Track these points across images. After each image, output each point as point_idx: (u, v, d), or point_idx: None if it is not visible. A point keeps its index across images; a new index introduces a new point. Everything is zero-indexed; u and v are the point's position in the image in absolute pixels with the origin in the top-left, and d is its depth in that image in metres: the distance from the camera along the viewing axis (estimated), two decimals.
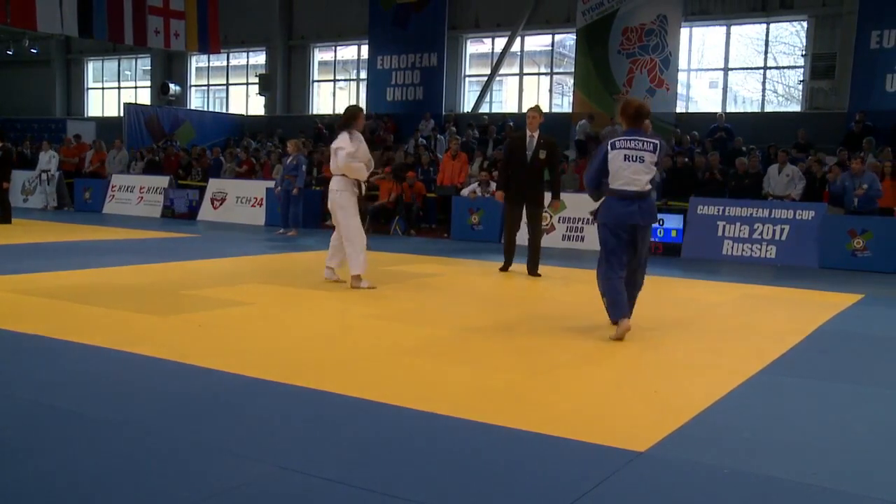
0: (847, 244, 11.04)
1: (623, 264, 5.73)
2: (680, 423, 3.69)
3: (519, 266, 9.31)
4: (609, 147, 5.68)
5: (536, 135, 8.86)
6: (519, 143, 8.94)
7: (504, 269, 9.20)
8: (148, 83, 27.63)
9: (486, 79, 21.51)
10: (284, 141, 17.80)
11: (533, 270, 8.93)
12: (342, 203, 7.36)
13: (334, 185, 7.44)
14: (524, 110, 19.35)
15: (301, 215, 13.87)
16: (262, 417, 3.63)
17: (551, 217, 13.06)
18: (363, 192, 7.67)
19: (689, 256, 11.84)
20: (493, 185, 14.13)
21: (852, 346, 5.84)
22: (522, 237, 9.12)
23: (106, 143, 20.51)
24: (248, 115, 25.67)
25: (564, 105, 20.75)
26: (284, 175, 13.87)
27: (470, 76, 22.15)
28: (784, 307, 7.49)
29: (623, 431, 3.55)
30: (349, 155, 7.26)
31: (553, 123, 19.06)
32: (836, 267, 10.90)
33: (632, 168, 5.58)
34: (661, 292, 8.25)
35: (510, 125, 18.61)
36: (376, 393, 3.98)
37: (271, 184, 15.25)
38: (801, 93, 18.13)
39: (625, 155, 5.60)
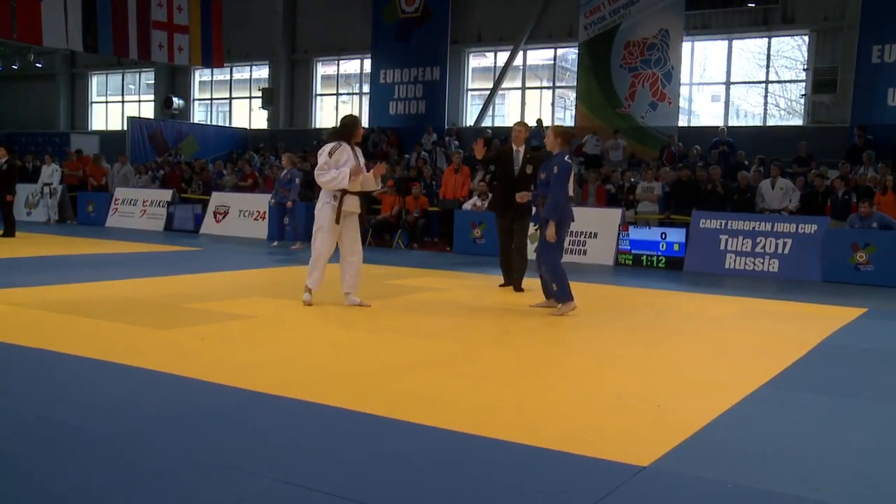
0: (850, 258, 11.02)
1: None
2: (683, 437, 3.67)
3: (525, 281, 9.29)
4: (571, 164, 7.21)
5: (522, 149, 8.70)
6: (506, 157, 8.78)
7: (504, 284, 9.01)
8: (152, 97, 27.75)
9: (488, 93, 21.58)
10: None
11: (517, 285, 8.74)
12: (316, 216, 7.13)
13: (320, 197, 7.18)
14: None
15: (303, 229, 13.96)
16: (263, 431, 3.62)
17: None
18: (354, 207, 7.11)
19: (691, 270, 11.82)
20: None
21: (856, 361, 5.82)
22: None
23: (109, 157, 20.56)
24: (251, 129, 25.76)
25: (567, 119, 20.80)
26: (279, 189, 14.02)
27: (472, 90, 22.22)
28: (787, 321, 7.47)
29: (626, 446, 3.53)
30: (320, 170, 6.93)
31: None
32: (839, 281, 10.87)
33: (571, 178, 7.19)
34: (663, 306, 8.25)
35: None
36: (377, 407, 3.97)
37: None
38: (802, 107, 18.17)
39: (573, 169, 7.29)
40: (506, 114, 22.34)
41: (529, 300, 7.89)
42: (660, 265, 12.15)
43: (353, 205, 7.08)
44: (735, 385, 4.70)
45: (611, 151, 17.76)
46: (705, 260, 11.88)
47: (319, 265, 7.08)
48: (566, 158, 7.05)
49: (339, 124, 7.34)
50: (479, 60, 22.29)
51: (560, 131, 7.32)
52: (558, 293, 7.07)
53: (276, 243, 14.03)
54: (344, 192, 6.98)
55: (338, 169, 6.92)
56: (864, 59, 16.36)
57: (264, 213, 15.89)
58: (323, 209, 7.03)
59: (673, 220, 13.08)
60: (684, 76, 18.64)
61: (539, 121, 18.97)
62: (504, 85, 21.59)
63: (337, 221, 6.97)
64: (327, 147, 7.02)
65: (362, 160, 7.17)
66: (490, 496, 2.95)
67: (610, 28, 18.78)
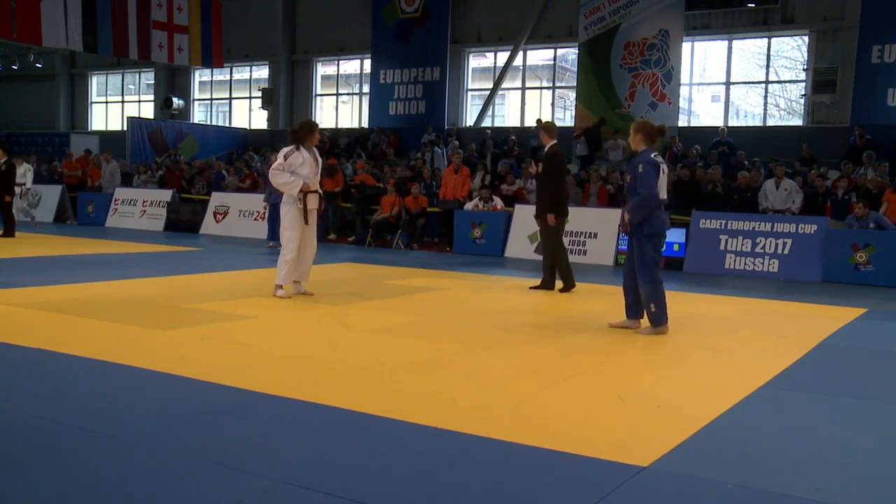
0: (850, 258, 11.02)
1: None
2: (683, 437, 3.67)
3: (525, 281, 9.29)
4: (659, 163, 6.31)
5: (545, 148, 8.94)
6: None
7: (537, 287, 8.92)
8: (151, 97, 27.75)
9: (488, 93, 21.58)
10: None
11: (553, 285, 8.88)
12: (282, 216, 7.71)
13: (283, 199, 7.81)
14: (526, 124, 19.49)
15: None
16: (262, 431, 3.62)
17: None
18: (314, 203, 7.71)
19: (691, 270, 11.82)
20: (496, 200, 14.22)
21: (855, 361, 5.81)
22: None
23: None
24: (251, 129, 25.76)
25: (567, 119, 20.80)
26: (272, 189, 13.97)
27: (472, 90, 22.22)
28: (787, 321, 7.47)
29: (626, 446, 3.53)
30: (275, 170, 7.55)
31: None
32: (839, 281, 10.87)
33: (663, 180, 6.32)
34: None
35: (513, 139, 18.67)
36: (377, 407, 3.97)
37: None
38: (802, 107, 18.17)
39: (662, 169, 6.31)
40: (506, 114, 22.34)
41: (545, 299, 7.89)
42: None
43: (314, 202, 7.73)
44: (735, 385, 4.71)
45: (610, 151, 17.76)
46: (705, 260, 11.88)
47: (289, 260, 7.58)
48: (653, 156, 6.27)
49: (297, 126, 7.93)
50: (479, 60, 22.29)
51: (640, 127, 6.47)
52: (655, 314, 6.29)
53: (271, 244, 14.00)
54: (306, 192, 7.58)
55: (292, 173, 7.51)
56: (863, 59, 16.36)
57: (264, 213, 15.89)
58: (290, 210, 7.62)
59: (673, 220, 13.05)
60: (684, 76, 18.63)
61: (539, 120, 18.94)
62: (504, 85, 21.58)
63: (306, 222, 7.62)
64: (284, 150, 7.59)
65: (320, 160, 7.81)
66: (489, 496, 2.95)
67: (610, 28, 18.78)
